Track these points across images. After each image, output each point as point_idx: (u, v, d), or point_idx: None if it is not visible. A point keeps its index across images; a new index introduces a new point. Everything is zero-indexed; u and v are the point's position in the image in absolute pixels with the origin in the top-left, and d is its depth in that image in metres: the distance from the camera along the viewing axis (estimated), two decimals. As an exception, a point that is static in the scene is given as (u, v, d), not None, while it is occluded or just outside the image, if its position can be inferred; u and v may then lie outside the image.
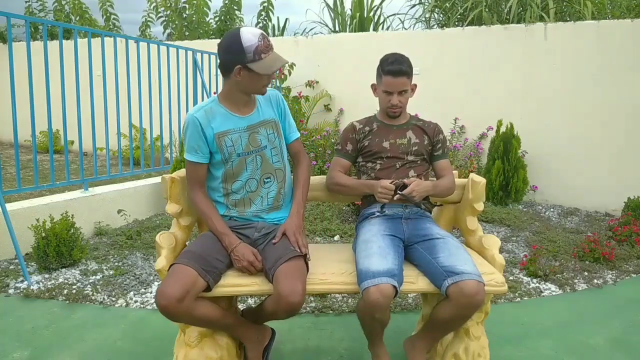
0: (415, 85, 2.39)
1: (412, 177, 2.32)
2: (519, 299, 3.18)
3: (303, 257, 2.02)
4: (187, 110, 5.71)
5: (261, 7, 9.99)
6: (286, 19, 9.88)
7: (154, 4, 9.97)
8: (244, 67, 2.00)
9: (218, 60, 2.12)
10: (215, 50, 2.19)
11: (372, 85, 2.42)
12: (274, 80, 6.35)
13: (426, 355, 2.17)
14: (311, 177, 2.43)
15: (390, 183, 2.19)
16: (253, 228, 2.16)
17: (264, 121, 2.16)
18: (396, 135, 2.37)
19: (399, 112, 2.36)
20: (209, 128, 2.08)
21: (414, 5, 8.49)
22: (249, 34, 1.98)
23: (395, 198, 2.18)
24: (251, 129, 2.13)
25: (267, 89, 2.16)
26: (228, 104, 2.12)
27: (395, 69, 2.26)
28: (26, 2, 10.76)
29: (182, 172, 2.23)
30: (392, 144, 2.35)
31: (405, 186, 2.18)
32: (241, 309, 2.34)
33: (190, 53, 5.65)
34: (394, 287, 1.89)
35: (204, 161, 2.12)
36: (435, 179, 2.46)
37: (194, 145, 2.09)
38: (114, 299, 3.07)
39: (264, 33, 2.03)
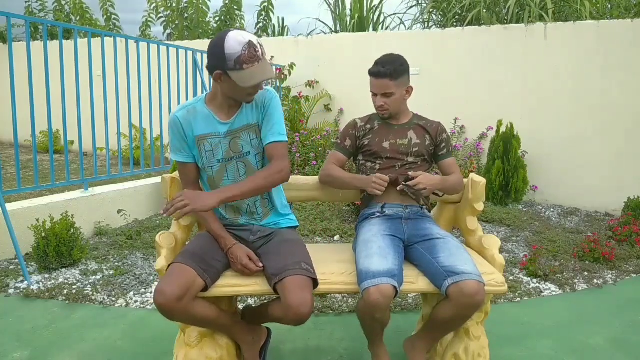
0: (411, 88, 2.37)
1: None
2: (519, 299, 3.18)
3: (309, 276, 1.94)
4: (187, 110, 5.71)
5: (261, 7, 9.99)
6: (283, 19, 9.86)
7: (154, 4, 9.98)
8: (224, 73, 1.90)
9: None
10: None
11: None
12: (274, 80, 6.35)
13: (426, 355, 2.17)
14: (311, 177, 2.44)
15: (393, 180, 2.18)
16: (249, 231, 2.15)
17: (247, 125, 2.06)
18: (397, 135, 2.37)
19: (386, 114, 2.36)
20: (190, 129, 2.04)
21: (412, 7, 8.51)
22: (234, 41, 1.86)
23: (398, 188, 2.18)
24: (232, 134, 2.04)
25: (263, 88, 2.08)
26: (212, 106, 2.06)
27: (374, 71, 2.29)
28: (26, 2, 10.76)
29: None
30: (392, 144, 2.35)
31: (410, 179, 2.18)
32: (241, 308, 2.33)
33: (190, 53, 5.65)
34: (394, 287, 1.89)
35: (190, 160, 2.09)
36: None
37: (176, 144, 2.07)
38: (114, 299, 3.07)
39: (254, 42, 1.88)
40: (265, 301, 2.51)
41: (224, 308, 2.10)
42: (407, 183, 2.16)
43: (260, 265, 2.00)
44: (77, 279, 3.34)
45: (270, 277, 1.94)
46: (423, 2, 8.29)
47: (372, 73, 2.31)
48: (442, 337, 2.16)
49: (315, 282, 1.96)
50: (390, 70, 2.26)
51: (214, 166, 2.07)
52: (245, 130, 2.06)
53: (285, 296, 1.85)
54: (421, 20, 8.29)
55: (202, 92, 5.84)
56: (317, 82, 6.93)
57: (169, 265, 1.93)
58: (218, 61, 1.89)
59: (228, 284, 1.98)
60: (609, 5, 7.03)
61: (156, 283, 3.27)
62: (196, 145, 2.06)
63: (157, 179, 5.18)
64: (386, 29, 8.91)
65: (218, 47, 1.88)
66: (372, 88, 2.33)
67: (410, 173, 2.21)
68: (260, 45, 1.92)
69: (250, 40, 1.88)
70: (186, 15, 9.82)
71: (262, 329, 2.22)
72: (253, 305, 2.27)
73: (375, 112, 2.48)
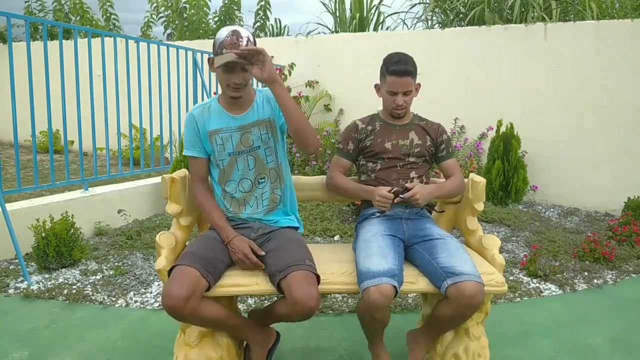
0: (419, 85, 2.38)
1: (413, 177, 2.32)
2: (519, 299, 3.18)
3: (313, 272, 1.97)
4: (187, 110, 5.71)
5: (258, 7, 10.00)
6: (280, 20, 9.87)
7: (155, 4, 9.98)
8: (212, 59, 2.05)
9: None
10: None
11: (376, 86, 2.40)
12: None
13: (426, 355, 2.17)
14: (311, 177, 2.45)
15: (390, 191, 2.17)
16: (250, 228, 2.16)
17: (258, 121, 2.14)
18: (399, 136, 2.36)
19: (403, 113, 2.35)
20: (203, 125, 2.15)
21: (414, 5, 8.51)
22: (225, 30, 2.02)
23: (396, 201, 2.18)
24: (243, 129, 2.14)
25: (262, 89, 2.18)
26: (223, 102, 2.17)
27: (400, 69, 2.24)
28: (26, 2, 10.77)
29: (182, 172, 2.24)
30: (394, 144, 2.34)
31: (406, 190, 2.17)
32: (242, 309, 2.34)
33: (190, 53, 5.65)
34: (394, 287, 1.89)
35: (201, 155, 2.18)
36: (436, 179, 2.46)
37: (190, 139, 2.18)
38: (114, 299, 3.07)
39: (241, 32, 1.99)
40: (266, 302, 2.51)
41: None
42: (403, 196, 2.16)
43: (263, 253, 2.04)
44: (77, 279, 3.34)
45: (274, 275, 1.94)
46: (426, 0, 8.28)
47: (395, 72, 2.25)
48: (441, 335, 2.16)
49: (318, 280, 1.96)
50: (413, 68, 2.28)
51: (224, 159, 2.15)
52: (256, 126, 2.15)
53: (291, 291, 1.85)
54: (423, 19, 8.29)
55: (202, 92, 5.85)
56: (317, 82, 6.93)
57: (172, 268, 1.93)
58: (212, 48, 2.05)
59: (229, 284, 1.98)
60: (617, 5, 7.01)
61: (156, 283, 3.27)
62: (209, 140, 2.14)
63: (157, 179, 5.18)
64: (387, 28, 8.91)
65: (216, 36, 2.05)
66: (394, 87, 2.28)
67: (406, 185, 2.21)
68: (248, 39, 2.00)
69: (236, 30, 2.01)
70: (185, 15, 9.82)
71: (272, 330, 2.21)
72: (258, 307, 2.27)
73: (375, 112, 2.48)
